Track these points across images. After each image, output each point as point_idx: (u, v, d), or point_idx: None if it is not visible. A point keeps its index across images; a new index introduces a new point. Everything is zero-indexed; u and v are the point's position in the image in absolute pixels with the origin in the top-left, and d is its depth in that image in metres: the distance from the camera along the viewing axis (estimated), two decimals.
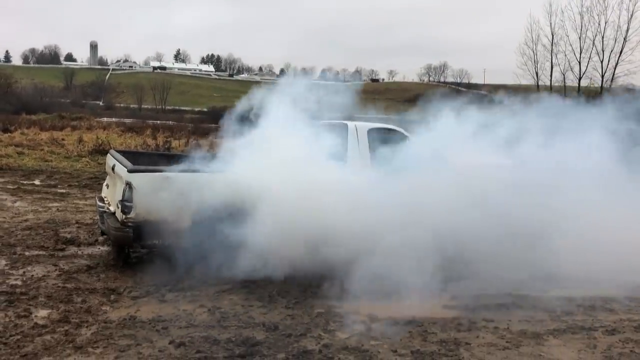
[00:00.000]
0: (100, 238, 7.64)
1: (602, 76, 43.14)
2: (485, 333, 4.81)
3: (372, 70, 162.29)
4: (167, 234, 6.09)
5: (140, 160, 7.31)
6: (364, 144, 7.41)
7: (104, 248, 7.28)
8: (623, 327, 5.09)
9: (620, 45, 41.13)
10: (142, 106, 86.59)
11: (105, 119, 44.86)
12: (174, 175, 6.19)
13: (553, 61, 44.39)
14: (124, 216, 6.06)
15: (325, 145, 6.89)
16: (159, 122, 44.20)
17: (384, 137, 7.54)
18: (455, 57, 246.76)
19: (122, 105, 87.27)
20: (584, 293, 5.92)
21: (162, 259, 5.98)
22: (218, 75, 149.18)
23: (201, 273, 5.85)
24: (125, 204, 6.05)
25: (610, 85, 42.22)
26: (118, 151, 7.64)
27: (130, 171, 6.12)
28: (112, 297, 5.41)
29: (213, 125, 42.52)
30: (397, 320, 5.01)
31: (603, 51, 42.47)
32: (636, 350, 4.58)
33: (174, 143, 23.65)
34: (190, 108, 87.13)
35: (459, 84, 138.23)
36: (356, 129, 7.48)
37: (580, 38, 43.27)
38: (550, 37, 44.09)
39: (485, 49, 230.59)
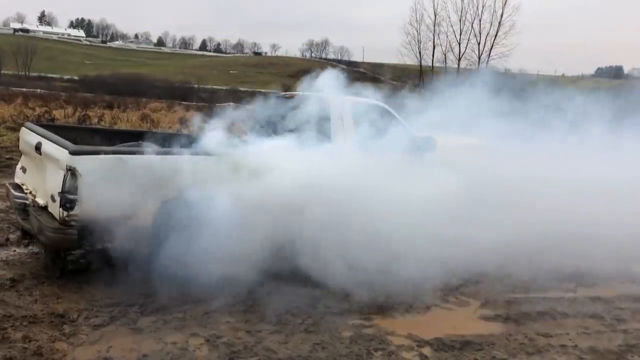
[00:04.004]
0: (13, 236, 5.92)
1: (479, 58, 45.43)
2: (557, 355, 4.01)
3: (255, 43, 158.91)
4: (122, 234, 4.66)
5: (68, 137, 5.64)
6: (349, 121, 6.31)
7: (21, 250, 5.59)
8: None
9: (496, 29, 43.78)
10: (2, 72, 77.80)
11: None
12: (134, 159, 4.74)
13: (435, 41, 45.95)
14: (65, 213, 4.53)
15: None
16: (24, 89, 39.63)
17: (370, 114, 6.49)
18: (337, 35, 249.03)
19: None
20: (613, 292, 5.37)
21: (115, 267, 4.55)
22: (89, 42, 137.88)
23: (171, 286, 4.52)
24: (68, 197, 4.52)
25: (486, 67, 44.63)
26: (38, 125, 5.90)
27: (73, 153, 4.57)
28: (65, 327, 3.92)
29: (88, 94, 39.15)
30: (447, 343, 4.06)
31: (480, 34, 44.82)
32: None
33: (56, 114, 20.85)
34: (59, 75, 79.63)
35: (339, 61, 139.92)
36: (339, 103, 6.35)
37: (460, 20, 45.20)
38: (433, 17, 45.61)
39: (367, 28, 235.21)
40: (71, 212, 4.52)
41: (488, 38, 44.34)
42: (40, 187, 5.17)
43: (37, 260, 5.23)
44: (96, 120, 20.19)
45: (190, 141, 5.54)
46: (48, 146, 4.98)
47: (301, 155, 5.14)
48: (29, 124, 5.89)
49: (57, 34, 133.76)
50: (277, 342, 3.92)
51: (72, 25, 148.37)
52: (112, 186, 4.61)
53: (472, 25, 45.13)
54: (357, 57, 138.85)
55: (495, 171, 6.29)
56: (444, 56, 46.12)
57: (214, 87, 75.43)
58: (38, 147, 5.15)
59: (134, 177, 4.66)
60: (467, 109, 6.99)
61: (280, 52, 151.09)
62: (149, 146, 5.23)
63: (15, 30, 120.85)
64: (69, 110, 22.20)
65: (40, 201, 5.01)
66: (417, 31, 45.86)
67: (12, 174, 9.98)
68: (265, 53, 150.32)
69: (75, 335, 3.82)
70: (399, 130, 6.59)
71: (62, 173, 4.60)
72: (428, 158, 6.56)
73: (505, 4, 41.51)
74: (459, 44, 45.42)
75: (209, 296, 4.48)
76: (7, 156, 11.68)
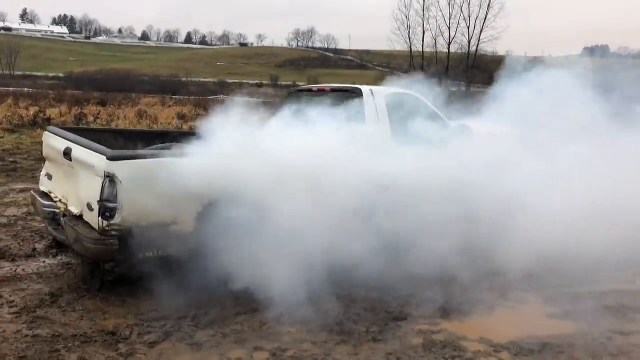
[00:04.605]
0: (39, 246, 5.64)
1: (469, 41, 45.34)
2: None
3: (241, 34, 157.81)
4: (166, 242, 4.40)
5: (93, 141, 5.34)
6: (384, 113, 6.06)
7: (51, 261, 5.31)
8: None
9: (485, 12, 43.79)
10: None
11: None
12: (175, 162, 4.46)
13: (425, 26, 45.86)
14: (105, 222, 4.25)
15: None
16: (11, 89, 38.94)
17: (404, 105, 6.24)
18: (323, 23, 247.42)
19: None
20: None
21: (157, 277, 4.29)
22: (73, 38, 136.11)
23: (220, 296, 4.28)
24: (107, 206, 4.24)
25: (476, 50, 44.55)
26: (62, 128, 5.59)
27: (112, 158, 4.28)
28: (121, 346, 3.66)
29: (77, 92, 38.36)
30: (525, 346, 3.84)
31: (469, 17, 44.78)
32: None
33: (50, 113, 20.31)
34: (44, 74, 78.56)
35: (326, 50, 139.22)
36: (373, 95, 6.09)
37: (449, 4, 45.11)
38: (421, 2, 45.45)
39: (353, 15, 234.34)
40: (112, 222, 4.25)
41: (478, 21, 44.38)
42: (72, 195, 4.88)
43: (72, 272, 4.96)
44: (92, 118, 19.77)
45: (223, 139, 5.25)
46: (79, 152, 4.70)
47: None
48: (52, 128, 5.59)
49: (40, 31, 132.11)
50: (346, 353, 3.68)
51: (55, 22, 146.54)
52: (152, 192, 4.34)
53: (461, 9, 45.10)
54: (344, 45, 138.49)
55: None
56: (434, 41, 46.03)
57: (202, 80, 74.86)
58: (67, 153, 4.86)
59: (175, 182, 4.38)
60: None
61: (266, 43, 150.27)
62: (185, 148, 4.96)
63: None
64: (63, 109, 21.73)
65: (74, 210, 4.73)
66: (406, 17, 45.72)
67: (20, 178, 9.70)
68: (252, 44, 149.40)
69: (132, 355, 3.56)
70: (435, 120, 6.39)
71: (98, 180, 4.32)
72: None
73: None
74: (449, 28, 45.42)
75: (262, 305, 4.22)
76: (10, 159, 11.30)
